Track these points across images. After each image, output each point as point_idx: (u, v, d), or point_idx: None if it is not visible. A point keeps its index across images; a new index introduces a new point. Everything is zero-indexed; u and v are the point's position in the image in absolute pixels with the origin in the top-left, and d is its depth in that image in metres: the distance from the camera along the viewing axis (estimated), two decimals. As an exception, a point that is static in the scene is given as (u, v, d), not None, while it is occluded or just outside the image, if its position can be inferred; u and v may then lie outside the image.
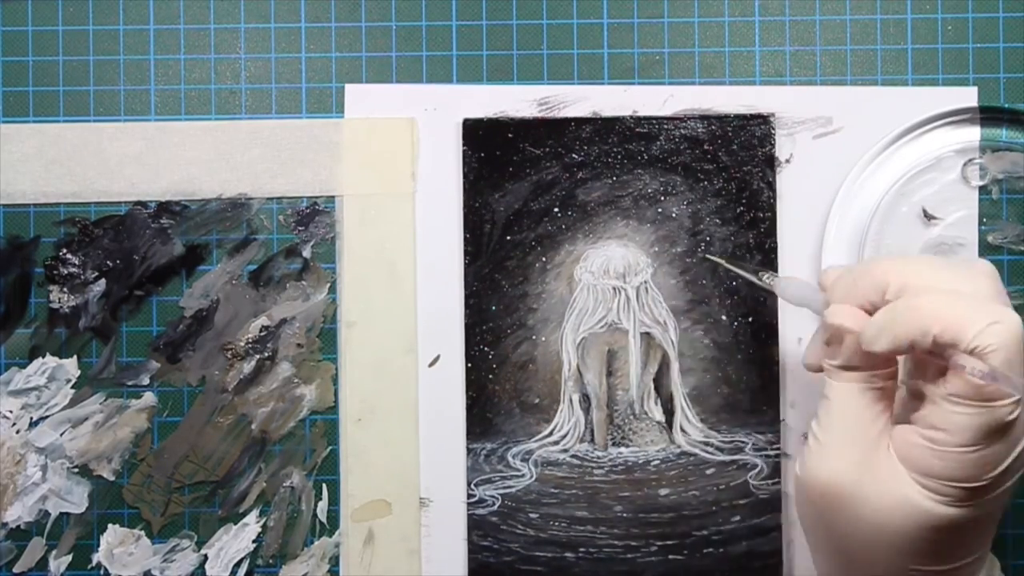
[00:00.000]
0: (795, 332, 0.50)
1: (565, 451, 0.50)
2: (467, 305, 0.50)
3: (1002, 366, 0.33)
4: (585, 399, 0.50)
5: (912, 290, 0.36)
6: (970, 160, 0.49)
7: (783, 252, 0.50)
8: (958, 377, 0.34)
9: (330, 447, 0.51)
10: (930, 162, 0.49)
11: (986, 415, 0.34)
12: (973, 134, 0.49)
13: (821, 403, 0.39)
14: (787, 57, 0.51)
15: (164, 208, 0.51)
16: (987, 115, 0.49)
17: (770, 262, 0.49)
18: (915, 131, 0.49)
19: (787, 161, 0.50)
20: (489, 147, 0.50)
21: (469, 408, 0.50)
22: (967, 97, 0.50)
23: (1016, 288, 0.50)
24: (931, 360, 0.36)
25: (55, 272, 0.51)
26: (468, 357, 0.50)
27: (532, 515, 0.50)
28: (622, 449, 0.50)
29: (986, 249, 0.49)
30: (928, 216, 0.49)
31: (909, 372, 0.38)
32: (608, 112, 0.51)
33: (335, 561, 0.50)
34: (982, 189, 0.49)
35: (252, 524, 0.51)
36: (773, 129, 0.50)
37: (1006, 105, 0.49)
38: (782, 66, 0.51)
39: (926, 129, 0.49)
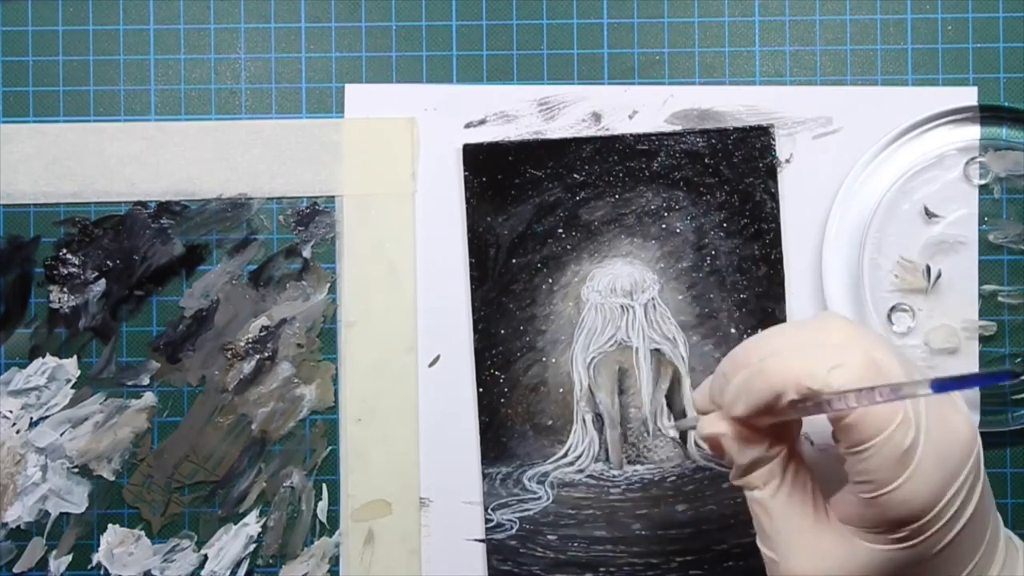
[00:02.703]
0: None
1: (581, 471, 0.50)
2: (476, 330, 0.50)
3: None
4: (598, 418, 0.50)
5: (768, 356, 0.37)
6: (972, 159, 0.49)
7: (784, 251, 0.50)
8: (839, 428, 0.35)
9: (330, 447, 0.51)
10: (932, 160, 0.49)
11: (884, 446, 0.34)
12: (975, 133, 0.49)
13: (754, 519, 0.39)
14: (787, 57, 0.51)
15: (164, 208, 0.51)
16: (987, 114, 0.49)
17: (776, 272, 0.49)
18: (917, 129, 0.49)
19: (787, 161, 0.50)
20: (490, 171, 0.50)
21: (483, 432, 0.50)
22: (967, 97, 0.50)
23: (1016, 288, 0.50)
24: (802, 414, 0.36)
25: (55, 272, 0.51)
26: (479, 382, 0.50)
27: (551, 537, 0.49)
28: (638, 467, 0.50)
29: (987, 248, 0.49)
30: (929, 214, 0.49)
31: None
32: (608, 112, 0.51)
33: (335, 561, 0.50)
34: (984, 188, 0.49)
35: (252, 524, 0.51)
36: (773, 140, 0.50)
37: (1006, 104, 0.49)
38: (782, 66, 0.51)
39: (928, 127, 0.49)
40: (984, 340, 0.49)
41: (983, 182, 0.49)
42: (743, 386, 0.36)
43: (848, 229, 0.49)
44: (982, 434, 0.48)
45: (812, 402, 0.34)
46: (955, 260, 0.49)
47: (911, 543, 0.35)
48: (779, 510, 0.37)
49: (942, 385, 0.30)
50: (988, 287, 0.49)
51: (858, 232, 0.49)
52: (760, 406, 0.36)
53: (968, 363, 0.49)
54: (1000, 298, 0.49)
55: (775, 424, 0.37)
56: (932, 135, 0.49)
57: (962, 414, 0.36)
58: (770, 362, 0.36)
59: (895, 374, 0.35)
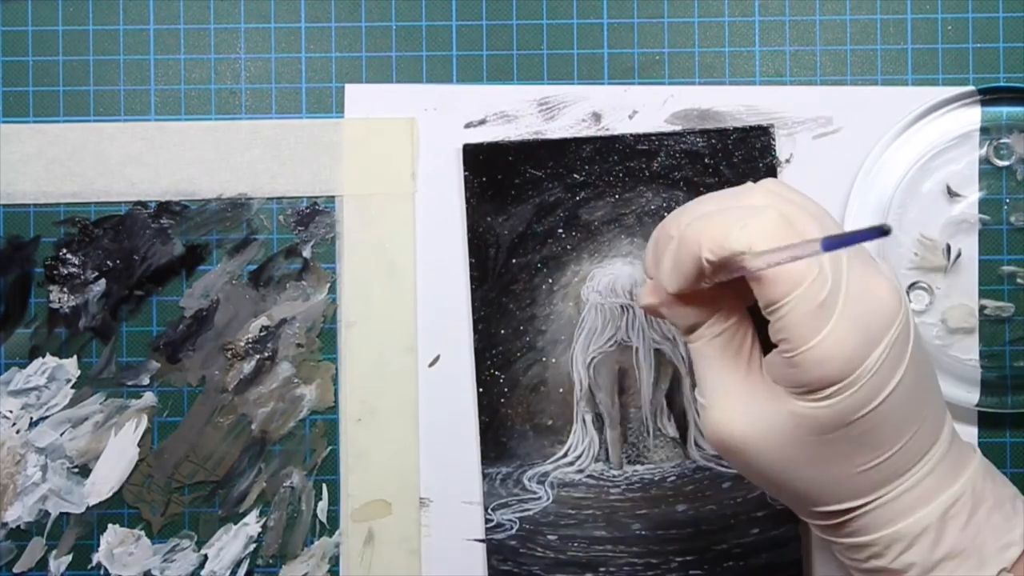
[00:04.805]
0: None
1: (581, 471, 0.50)
2: (476, 330, 0.50)
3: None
4: (598, 419, 0.50)
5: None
6: (995, 139, 0.49)
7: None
8: (755, 283, 0.35)
9: (330, 447, 0.51)
10: (956, 139, 0.49)
11: (800, 303, 0.34)
12: (996, 115, 0.49)
13: (693, 367, 0.40)
14: (787, 57, 0.51)
15: (164, 208, 0.51)
16: (987, 96, 0.49)
17: None
18: (942, 108, 0.49)
19: (787, 161, 0.50)
20: (490, 171, 0.50)
21: (483, 432, 0.50)
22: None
23: (1035, 268, 0.50)
24: (727, 277, 0.36)
25: (55, 272, 0.51)
26: (480, 382, 0.50)
27: (551, 537, 0.49)
28: (637, 467, 0.50)
29: (1009, 229, 0.49)
30: (952, 193, 0.49)
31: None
32: (608, 112, 0.51)
33: (335, 561, 0.50)
34: (1007, 169, 0.49)
35: (252, 524, 0.51)
36: (773, 140, 0.50)
37: (1003, 84, 0.49)
38: (782, 66, 0.51)
39: (954, 107, 0.49)
40: (1001, 321, 0.49)
41: (1006, 163, 0.49)
42: (671, 260, 0.37)
43: (870, 205, 0.49)
44: (982, 416, 0.49)
45: (731, 264, 0.35)
46: (975, 240, 0.49)
47: (831, 401, 0.35)
48: (714, 357, 0.38)
49: (830, 243, 0.30)
50: (1008, 268, 0.49)
51: (880, 208, 0.49)
52: (688, 276, 0.37)
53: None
54: (1020, 280, 0.49)
55: (713, 286, 0.38)
56: (957, 114, 0.49)
57: (887, 280, 0.36)
58: (689, 229, 0.37)
59: (810, 232, 0.36)
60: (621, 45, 0.51)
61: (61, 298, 0.51)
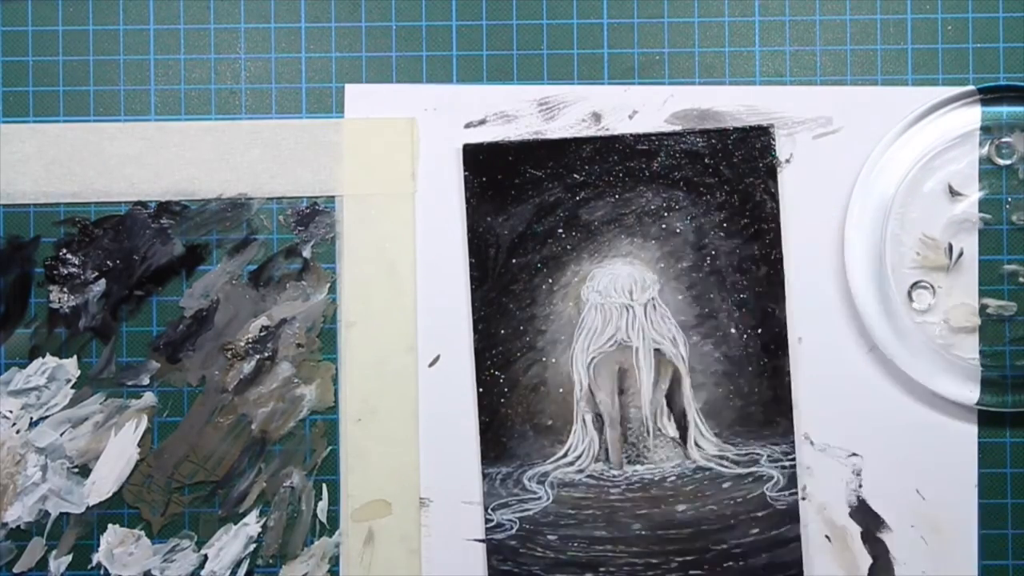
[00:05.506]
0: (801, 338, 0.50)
1: (581, 471, 0.50)
2: (476, 330, 0.50)
3: None
4: (598, 419, 0.50)
5: None
6: (996, 139, 0.49)
7: (784, 251, 0.50)
8: None
9: (330, 447, 0.51)
10: (957, 139, 0.49)
11: None
12: (996, 114, 0.49)
13: None
14: (787, 57, 0.51)
15: (164, 208, 0.51)
16: (988, 95, 0.49)
17: (776, 272, 0.49)
18: (943, 108, 0.49)
19: (787, 161, 0.50)
20: (490, 171, 0.50)
21: (483, 432, 0.50)
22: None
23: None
24: None
25: (55, 272, 0.51)
26: (480, 382, 0.50)
27: (551, 537, 0.49)
28: (638, 467, 0.50)
29: (1010, 228, 0.49)
30: (954, 192, 0.49)
31: None
32: (608, 112, 0.51)
33: (335, 561, 0.50)
34: (1008, 168, 0.49)
35: (252, 524, 0.51)
36: (773, 140, 0.50)
37: (1003, 83, 0.49)
38: (782, 66, 0.51)
39: (954, 107, 0.49)
40: (1002, 320, 0.49)
41: (1007, 162, 0.49)
42: None
43: (872, 204, 0.49)
44: (982, 415, 0.49)
45: None
46: (976, 239, 0.49)
47: None
48: None
49: None
50: (1009, 267, 0.49)
51: (882, 208, 0.49)
52: None
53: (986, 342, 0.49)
54: (1021, 279, 0.49)
55: None
56: (958, 114, 0.49)
57: None
58: None
59: None
60: (621, 45, 0.51)
61: (61, 298, 0.51)
